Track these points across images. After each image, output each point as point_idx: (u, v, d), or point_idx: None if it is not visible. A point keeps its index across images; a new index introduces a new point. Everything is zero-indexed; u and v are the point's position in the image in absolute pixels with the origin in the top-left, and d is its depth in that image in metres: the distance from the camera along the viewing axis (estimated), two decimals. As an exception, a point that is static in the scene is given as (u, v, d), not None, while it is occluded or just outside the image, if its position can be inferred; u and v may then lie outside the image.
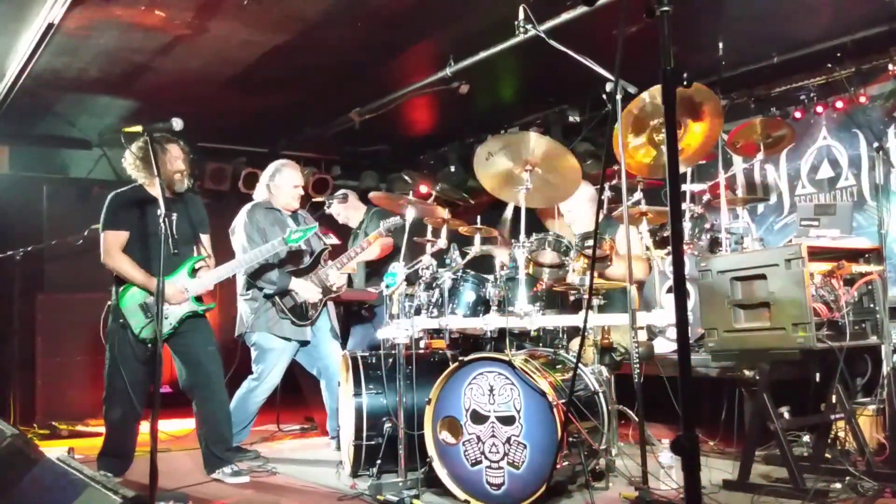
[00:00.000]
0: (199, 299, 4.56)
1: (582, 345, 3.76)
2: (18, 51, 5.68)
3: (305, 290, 5.19)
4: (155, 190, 4.37)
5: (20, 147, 8.00)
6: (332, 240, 5.92)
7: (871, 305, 4.02)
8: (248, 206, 5.34)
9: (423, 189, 5.22)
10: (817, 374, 4.09)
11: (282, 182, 5.35)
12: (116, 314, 4.44)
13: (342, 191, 6.36)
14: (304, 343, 5.30)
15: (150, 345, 4.41)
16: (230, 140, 8.46)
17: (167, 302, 4.41)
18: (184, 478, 4.54)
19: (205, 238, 4.78)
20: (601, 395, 4.10)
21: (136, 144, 4.48)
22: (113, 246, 4.48)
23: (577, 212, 5.48)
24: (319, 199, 7.20)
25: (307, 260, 5.30)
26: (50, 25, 5.13)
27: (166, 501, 3.43)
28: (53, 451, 3.49)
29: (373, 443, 4.35)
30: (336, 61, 6.21)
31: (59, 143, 8.20)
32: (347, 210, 6.37)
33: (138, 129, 3.82)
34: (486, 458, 3.76)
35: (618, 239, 4.77)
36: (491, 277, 4.38)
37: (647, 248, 4.72)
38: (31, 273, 7.19)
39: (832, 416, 4.09)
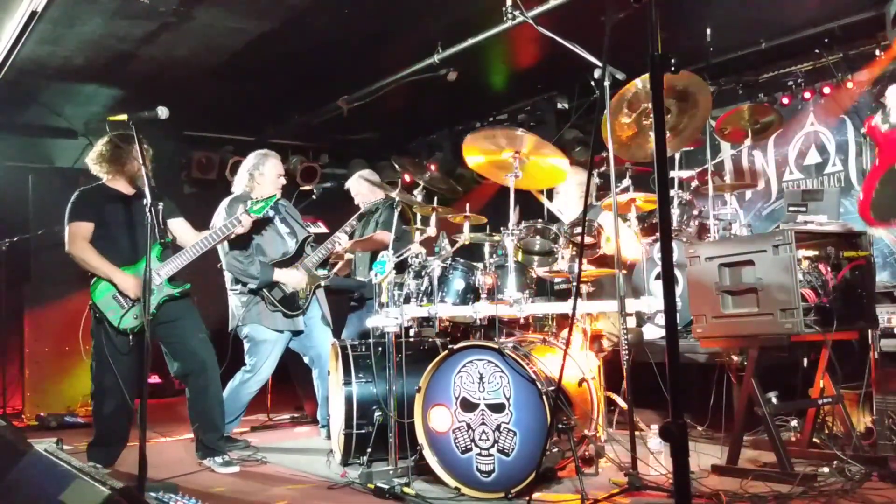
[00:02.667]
0: (172, 281, 4.55)
1: (571, 332, 3.77)
2: (1, 39, 5.61)
3: (292, 278, 5.17)
4: (119, 184, 4.56)
5: (5, 136, 7.93)
6: (320, 228, 5.90)
7: (859, 290, 4.04)
8: (225, 200, 5.26)
9: (407, 178, 5.19)
10: (805, 359, 4.12)
11: (266, 171, 5.31)
12: (94, 310, 4.43)
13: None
14: (297, 333, 5.29)
15: (130, 335, 4.39)
16: (217, 128, 8.42)
17: (129, 296, 4.41)
18: (173, 468, 4.53)
19: (178, 221, 4.75)
20: (590, 381, 4.12)
21: (101, 142, 4.55)
22: (76, 235, 4.45)
23: (568, 196, 5.50)
24: (307, 187, 7.17)
25: (292, 248, 5.27)
26: (33, 13, 5.07)
27: (156, 492, 3.41)
28: (42, 441, 3.48)
29: (363, 431, 4.35)
30: (323, 49, 6.18)
31: (44, 132, 8.13)
32: (362, 191, 6.22)
33: (123, 117, 3.79)
34: (477, 445, 3.77)
35: (604, 224, 4.78)
36: (480, 265, 4.39)
37: (636, 235, 4.74)
38: (17, 263, 7.14)
39: (820, 401, 4.11)
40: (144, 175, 3.73)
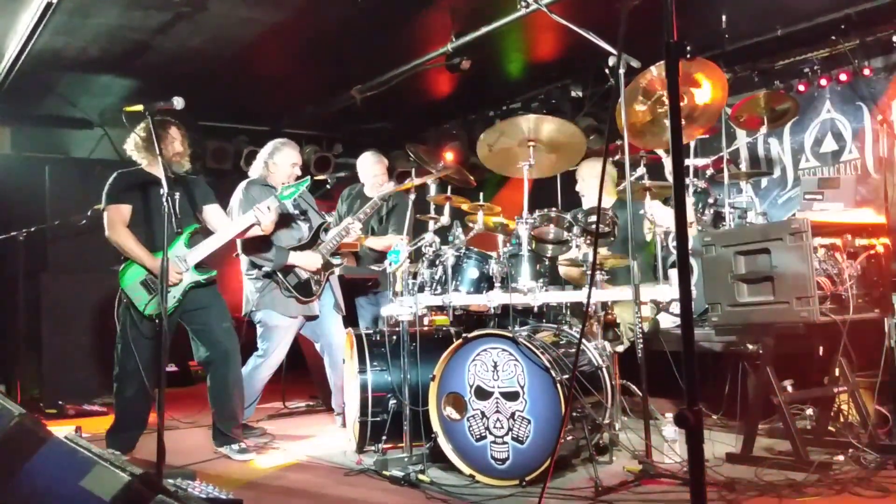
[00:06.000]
0: (199, 268, 4.58)
1: (585, 320, 3.77)
2: (18, 31, 5.65)
3: (306, 260, 5.19)
4: (157, 170, 4.37)
5: (22, 127, 7.99)
6: (334, 217, 5.92)
7: (875, 279, 4.03)
8: (243, 183, 5.31)
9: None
10: (820, 348, 4.11)
11: (280, 160, 5.33)
12: (121, 295, 4.48)
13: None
14: (311, 318, 5.32)
15: (157, 320, 4.44)
16: (231, 119, 8.44)
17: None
18: (191, 455, 4.58)
19: (213, 207, 4.79)
20: (605, 370, 4.12)
21: (139, 126, 4.51)
22: (116, 220, 4.50)
23: (589, 186, 5.49)
24: (321, 176, 7.18)
25: (306, 235, 5.30)
26: (49, 4, 5.10)
27: (174, 479, 3.45)
28: (61, 430, 3.52)
29: (378, 419, 4.38)
30: (336, 38, 6.17)
31: (60, 123, 8.18)
32: (368, 180, 6.12)
33: (139, 108, 3.81)
34: (491, 433, 3.79)
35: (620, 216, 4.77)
36: (494, 254, 4.39)
37: (651, 224, 4.72)
38: (34, 253, 7.20)
39: (835, 389, 4.10)
40: (161, 164, 3.76)
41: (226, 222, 4.77)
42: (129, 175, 4.62)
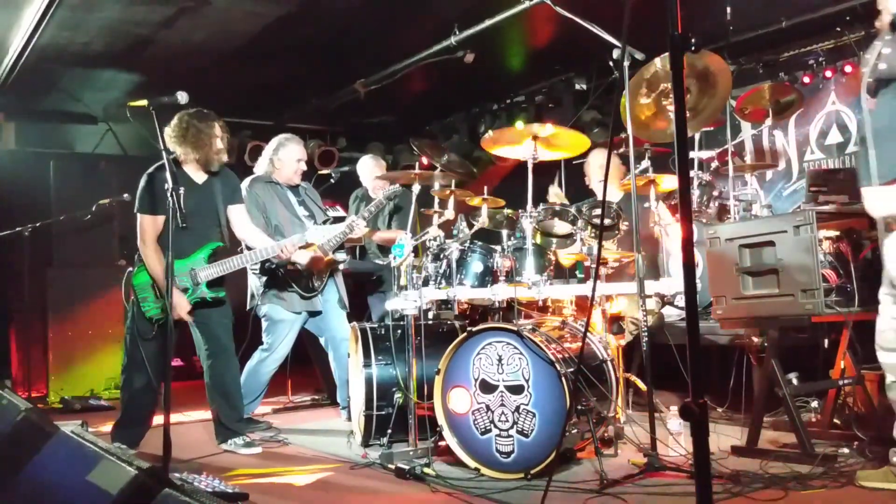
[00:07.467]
0: (210, 286, 4.56)
1: (590, 313, 3.77)
2: (22, 26, 5.66)
3: (308, 258, 5.18)
4: (188, 166, 4.47)
5: (26, 122, 7.99)
6: (339, 212, 5.92)
7: (881, 270, 4.01)
8: (247, 180, 5.31)
9: (425, 161, 5.19)
10: (825, 340, 4.10)
11: (285, 156, 5.33)
12: (131, 290, 4.48)
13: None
14: (314, 313, 5.32)
15: (155, 324, 4.44)
16: (235, 113, 8.40)
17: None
18: (197, 449, 4.59)
19: (237, 208, 4.75)
20: (609, 363, 4.12)
21: (175, 120, 4.45)
22: (149, 232, 4.44)
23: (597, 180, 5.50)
24: (325, 171, 7.18)
25: (310, 231, 5.30)
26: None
27: (180, 473, 3.46)
28: (67, 424, 3.53)
29: (383, 413, 4.39)
30: (340, 32, 6.17)
31: (64, 118, 8.19)
32: (368, 184, 6.25)
33: (143, 103, 3.80)
34: (496, 426, 3.79)
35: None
36: (498, 248, 4.39)
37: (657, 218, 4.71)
38: (40, 248, 7.20)
39: (840, 382, 4.10)
40: (166, 159, 3.74)
41: (245, 224, 4.75)
42: (160, 178, 4.32)
